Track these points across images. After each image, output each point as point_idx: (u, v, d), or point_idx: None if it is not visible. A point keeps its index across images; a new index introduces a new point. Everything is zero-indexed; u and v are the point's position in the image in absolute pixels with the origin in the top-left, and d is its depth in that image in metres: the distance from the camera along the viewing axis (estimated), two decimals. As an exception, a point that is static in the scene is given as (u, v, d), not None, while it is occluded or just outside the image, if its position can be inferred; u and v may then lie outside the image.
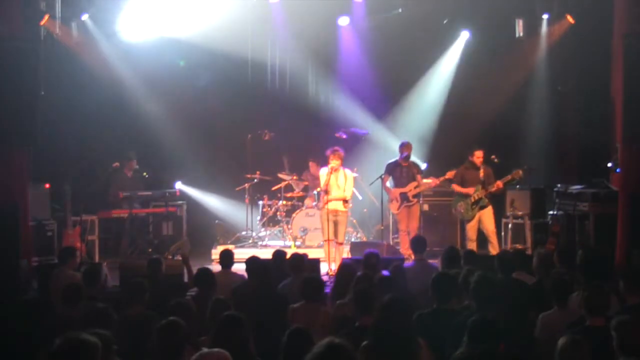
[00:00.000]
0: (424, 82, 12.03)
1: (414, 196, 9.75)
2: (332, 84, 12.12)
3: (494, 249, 9.17)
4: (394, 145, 10.35)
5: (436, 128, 11.74)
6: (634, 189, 7.97)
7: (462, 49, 11.76)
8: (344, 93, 11.98)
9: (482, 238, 9.47)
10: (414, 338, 3.97)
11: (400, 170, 9.80)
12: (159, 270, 6.50)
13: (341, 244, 9.07)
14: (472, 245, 9.17)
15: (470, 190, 9.35)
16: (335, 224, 8.96)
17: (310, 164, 11.36)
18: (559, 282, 5.05)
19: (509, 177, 9.19)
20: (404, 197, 9.74)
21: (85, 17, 10.50)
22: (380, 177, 9.59)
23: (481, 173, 9.36)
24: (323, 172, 9.09)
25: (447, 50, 11.86)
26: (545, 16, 11.07)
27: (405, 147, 9.74)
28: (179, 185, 11.05)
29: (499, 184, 9.22)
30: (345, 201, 9.07)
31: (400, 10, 11.18)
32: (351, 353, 3.08)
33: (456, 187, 9.52)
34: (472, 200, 9.31)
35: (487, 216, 9.37)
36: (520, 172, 9.16)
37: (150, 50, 11.13)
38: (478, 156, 9.38)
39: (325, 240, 8.99)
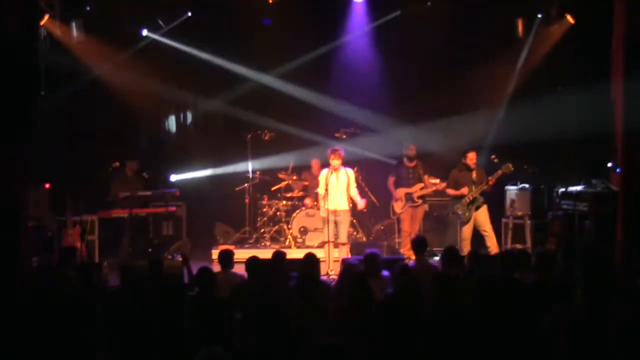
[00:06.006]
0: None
1: (419, 197, 9.76)
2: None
3: (493, 248, 9.16)
4: (391, 146, 10.34)
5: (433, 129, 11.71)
6: (634, 189, 7.97)
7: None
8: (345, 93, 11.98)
9: (474, 237, 9.42)
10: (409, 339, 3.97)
11: (407, 171, 9.80)
12: (160, 270, 6.49)
13: (344, 244, 8.99)
14: (466, 244, 9.19)
15: (464, 190, 9.33)
16: (337, 224, 8.92)
17: (313, 162, 11.35)
18: (564, 281, 5.05)
19: (500, 172, 9.22)
20: (408, 198, 9.73)
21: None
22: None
23: (474, 174, 9.38)
24: (322, 176, 9.06)
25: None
26: (539, 15, 11.07)
27: (408, 148, 9.78)
28: (173, 177, 10.94)
29: (491, 180, 9.23)
30: (349, 199, 9.01)
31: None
32: (344, 354, 3.07)
33: (450, 191, 9.50)
34: (468, 200, 9.28)
35: (482, 216, 9.34)
36: (510, 165, 9.19)
37: (151, 49, 11.12)
38: (471, 158, 9.40)
39: (327, 242, 8.89)
